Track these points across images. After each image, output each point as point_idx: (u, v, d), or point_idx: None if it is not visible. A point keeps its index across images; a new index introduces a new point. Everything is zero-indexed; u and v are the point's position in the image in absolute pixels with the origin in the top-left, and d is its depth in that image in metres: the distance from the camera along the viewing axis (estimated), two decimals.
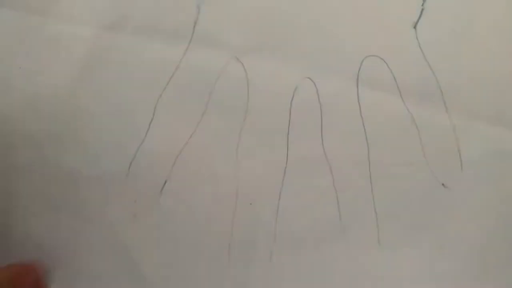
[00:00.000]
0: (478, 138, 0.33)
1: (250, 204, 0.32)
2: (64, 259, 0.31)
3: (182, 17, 0.31)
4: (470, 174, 0.33)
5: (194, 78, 0.31)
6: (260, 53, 0.32)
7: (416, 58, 0.33)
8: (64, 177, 0.31)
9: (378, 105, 0.33)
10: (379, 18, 0.33)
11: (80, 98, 0.31)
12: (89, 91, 0.31)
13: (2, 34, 0.30)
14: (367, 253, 0.33)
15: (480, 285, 0.34)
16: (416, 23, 0.33)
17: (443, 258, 0.34)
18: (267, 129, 0.32)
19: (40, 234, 0.31)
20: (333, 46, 0.32)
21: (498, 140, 0.34)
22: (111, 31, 0.31)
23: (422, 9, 0.33)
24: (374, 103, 0.33)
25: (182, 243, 0.32)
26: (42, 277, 0.30)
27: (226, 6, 0.32)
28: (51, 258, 0.31)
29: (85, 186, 0.31)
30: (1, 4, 0.30)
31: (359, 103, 0.33)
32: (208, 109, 0.32)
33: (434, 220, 0.33)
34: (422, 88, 0.33)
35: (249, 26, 0.32)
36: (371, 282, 0.33)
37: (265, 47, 0.32)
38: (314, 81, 0.32)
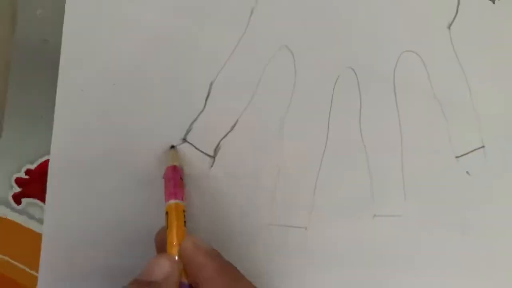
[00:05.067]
0: (502, 130, 0.37)
1: (291, 178, 0.35)
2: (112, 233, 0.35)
3: (240, 6, 0.34)
4: (493, 163, 0.37)
5: (246, 62, 0.34)
6: (308, 44, 0.35)
7: (449, 57, 0.37)
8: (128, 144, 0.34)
9: (412, 97, 0.36)
10: (416, 18, 0.36)
11: (145, 73, 0.34)
12: (153, 68, 0.34)
13: (89, 15, 0.33)
14: (393, 230, 0.36)
15: (489, 272, 0.38)
16: (451, 23, 0.36)
17: (462, 241, 0.37)
18: (310, 112, 0.35)
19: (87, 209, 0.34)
20: (374, 42, 0.36)
21: None
22: (173, 16, 0.34)
23: (457, 11, 0.36)
24: (408, 96, 0.36)
25: (228, 212, 0.35)
26: None
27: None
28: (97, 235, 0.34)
29: (144, 154, 0.34)
30: None
31: (395, 93, 0.36)
32: (258, 91, 0.35)
33: (458, 206, 0.37)
34: (452, 84, 0.37)
35: (300, 20, 0.35)
36: (392, 256, 0.37)
37: (313, 39, 0.35)
38: (356, 71, 0.36)
